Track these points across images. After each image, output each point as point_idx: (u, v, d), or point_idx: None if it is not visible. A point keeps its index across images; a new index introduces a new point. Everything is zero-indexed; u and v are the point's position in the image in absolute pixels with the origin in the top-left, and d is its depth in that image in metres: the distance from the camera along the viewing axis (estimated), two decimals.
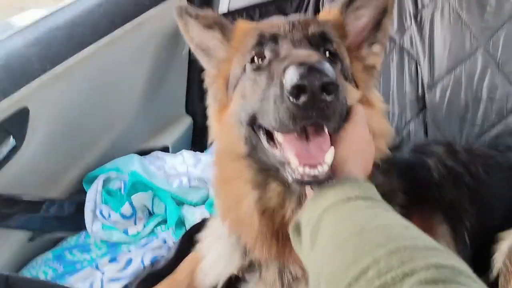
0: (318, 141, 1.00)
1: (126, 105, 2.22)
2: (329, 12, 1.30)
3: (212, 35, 1.34)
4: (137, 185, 2.03)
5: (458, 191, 1.40)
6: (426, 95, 2.03)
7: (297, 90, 0.88)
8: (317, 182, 0.95)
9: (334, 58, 1.16)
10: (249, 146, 1.17)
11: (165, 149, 2.43)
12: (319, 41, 1.15)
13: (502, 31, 1.89)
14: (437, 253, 0.71)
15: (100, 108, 2.06)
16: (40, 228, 1.96)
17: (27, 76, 1.76)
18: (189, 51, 1.40)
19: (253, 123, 1.12)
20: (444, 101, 2.01)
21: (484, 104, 1.95)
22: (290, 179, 0.98)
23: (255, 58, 1.15)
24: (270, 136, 1.09)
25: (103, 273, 1.77)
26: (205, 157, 2.29)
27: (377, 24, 1.28)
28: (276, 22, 1.22)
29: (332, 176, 0.96)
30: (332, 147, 0.99)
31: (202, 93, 2.54)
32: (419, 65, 2.04)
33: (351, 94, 1.15)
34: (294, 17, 1.27)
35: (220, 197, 1.35)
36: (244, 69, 1.18)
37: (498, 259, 1.28)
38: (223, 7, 2.27)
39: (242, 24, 1.32)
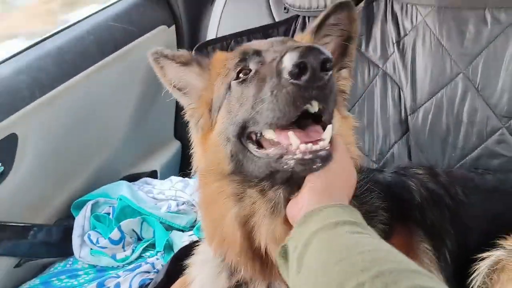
0: (314, 127, 1.04)
1: (115, 130, 2.24)
2: (301, 38, 1.35)
3: (189, 70, 1.39)
4: (125, 209, 2.04)
5: (439, 212, 1.43)
6: (409, 119, 2.07)
7: (298, 68, 0.92)
8: (319, 159, 0.99)
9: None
10: (235, 163, 1.18)
11: (154, 174, 2.45)
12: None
13: (481, 57, 1.94)
14: (419, 276, 0.74)
15: (89, 134, 2.08)
16: (27, 254, 1.96)
17: (16, 103, 1.79)
18: None
19: (241, 134, 1.14)
20: (427, 124, 2.05)
21: (465, 127, 1.99)
22: (292, 163, 1.01)
23: (240, 74, 1.18)
24: (259, 145, 1.12)
25: None
26: (194, 182, 2.30)
27: (344, 50, 1.35)
28: (253, 42, 1.29)
29: (332, 155, 1.01)
30: (330, 124, 1.04)
31: None
32: (402, 90, 2.09)
33: None
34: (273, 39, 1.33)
35: (206, 219, 1.35)
36: (229, 88, 1.20)
37: (478, 279, 1.30)
38: (211, 34, 2.32)
39: (220, 54, 1.37)
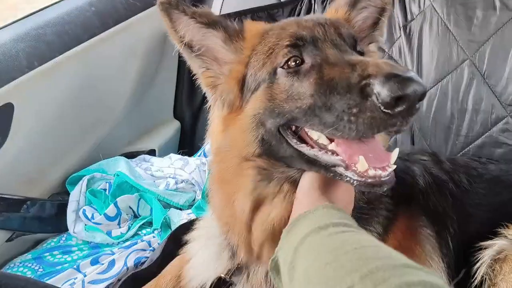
0: (377, 144, 1.02)
1: (113, 106, 2.20)
2: (336, 12, 1.29)
3: (212, 34, 1.24)
4: (122, 186, 2.01)
5: (442, 198, 1.42)
6: None
7: (396, 101, 0.88)
8: (386, 185, 0.97)
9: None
10: (265, 148, 1.14)
11: (152, 152, 2.41)
12: (353, 42, 1.15)
13: (488, 44, 1.93)
14: (408, 271, 0.73)
15: (87, 108, 2.03)
16: (19, 228, 1.92)
17: (13, 72, 1.75)
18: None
19: (285, 126, 1.10)
20: (431, 111, 2.04)
21: (469, 115, 1.98)
22: (354, 182, 0.99)
23: (291, 63, 1.10)
24: (299, 137, 1.09)
25: (84, 275, 1.72)
26: (193, 160, 2.27)
27: (375, 23, 1.31)
28: (300, 24, 1.17)
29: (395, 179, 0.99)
30: (397, 148, 1.02)
31: (191, 98, 2.57)
32: None
33: None
34: (310, 17, 1.29)
35: (217, 195, 1.30)
36: (274, 73, 1.12)
37: (481, 269, 1.29)
38: (214, 12, 2.27)
39: (254, 25, 1.26)
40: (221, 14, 2.26)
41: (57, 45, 1.85)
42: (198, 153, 2.39)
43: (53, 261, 1.83)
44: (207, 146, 2.14)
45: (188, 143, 2.51)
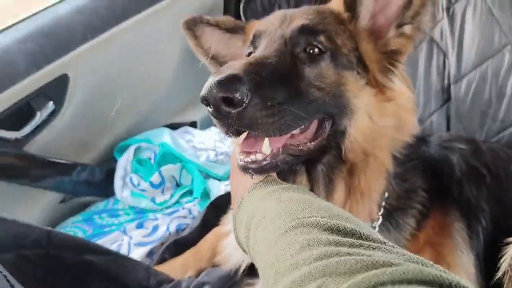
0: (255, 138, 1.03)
1: (159, 78, 2.28)
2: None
3: (237, 39, 1.32)
4: (166, 156, 2.10)
5: (476, 190, 1.42)
6: (452, 88, 2.07)
7: (204, 101, 0.90)
8: (249, 169, 1.00)
9: (320, 50, 1.10)
10: None
11: (193, 124, 2.49)
12: (297, 38, 1.11)
13: None
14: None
15: (134, 80, 2.12)
16: (71, 191, 2.05)
17: (69, 44, 1.83)
18: None
19: None
20: (469, 95, 2.05)
21: (507, 101, 1.98)
22: (239, 162, 1.02)
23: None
24: None
25: (130, 238, 1.84)
26: None
27: (409, 2, 1.14)
28: (271, 18, 1.20)
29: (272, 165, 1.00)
30: (267, 139, 1.00)
31: None
32: (447, 57, 2.08)
33: (350, 83, 1.12)
34: (291, 11, 1.21)
35: None
36: None
37: (505, 262, 1.30)
38: None
39: (253, 23, 1.31)
40: None
41: (108, 18, 1.92)
42: None
43: (101, 223, 1.96)
44: None
45: None
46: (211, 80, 0.87)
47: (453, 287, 0.53)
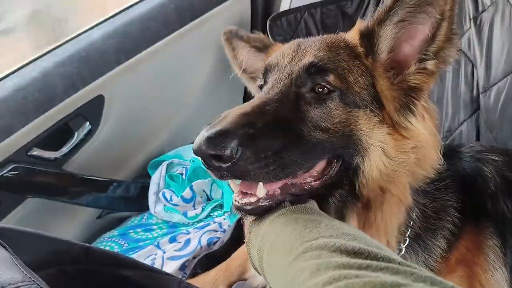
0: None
1: (189, 97, 2.35)
2: (359, 25, 1.19)
3: (261, 57, 1.34)
4: (197, 171, 2.16)
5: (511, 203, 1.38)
6: (481, 97, 2.04)
7: (195, 155, 0.92)
8: (243, 210, 1.00)
9: (328, 89, 1.07)
10: None
11: None
12: (304, 78, 1.09)
13: None
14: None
15: (166, 98, 2.20)
16: (107, 207, 2.14)
17: (104, 66, 1.93)
18: None
19: None
20: (498, 104, 2.00)
21: None
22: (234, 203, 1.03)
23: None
24: None
25: (163, 252, 1.89)
26: None
27: (432, 37, 1.08)
28: (284, 50, 1.18)
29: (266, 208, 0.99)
30: (261, 183, 0.98)
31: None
32: (475, 67, 2.05)
33: (361, 122, 1.08)
34: (306, 42, 1.19)
35: None
36: None
37: None
38: (285, 4, 2.34)
39: (275, 47, 1.32)
40: (291, 7, 2.32)
41: (141, 40, 2.02)
42: None
43: (136, 238, 2.03)
44: None
45: None
46: (202, 135, 0.90)
47: None
